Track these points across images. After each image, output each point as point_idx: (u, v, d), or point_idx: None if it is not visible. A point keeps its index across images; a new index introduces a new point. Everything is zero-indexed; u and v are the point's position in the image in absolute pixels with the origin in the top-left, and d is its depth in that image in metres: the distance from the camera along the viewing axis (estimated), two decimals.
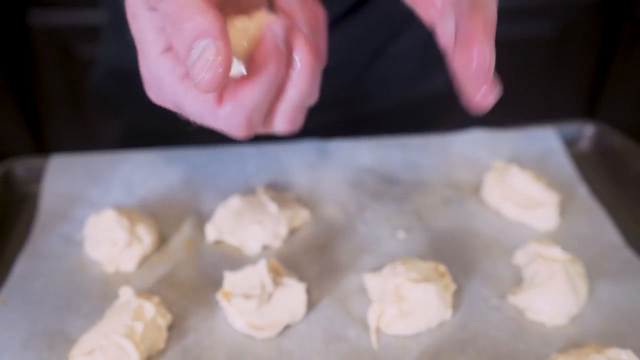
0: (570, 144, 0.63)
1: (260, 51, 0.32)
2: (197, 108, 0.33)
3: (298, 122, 0.36)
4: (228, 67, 0.30)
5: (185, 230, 0.52)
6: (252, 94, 0.32)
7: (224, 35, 0.30)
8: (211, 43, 0.30)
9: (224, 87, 0.32)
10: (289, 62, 0.33)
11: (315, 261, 0.49)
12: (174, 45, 0.32)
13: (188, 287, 0.46)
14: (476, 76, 0.34)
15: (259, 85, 0.32)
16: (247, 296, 0.43)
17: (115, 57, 0.69)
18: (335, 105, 0.69)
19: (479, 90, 0.34)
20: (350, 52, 0.67)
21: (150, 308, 0.42)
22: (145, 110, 0.62)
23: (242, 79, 0.32)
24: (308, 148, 0.60)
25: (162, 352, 0.41)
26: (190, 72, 0.30)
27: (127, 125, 0.75)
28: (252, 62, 0.32)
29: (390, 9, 0.64)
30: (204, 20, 0.30)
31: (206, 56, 0.30)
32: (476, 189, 0.57)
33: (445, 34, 0.37)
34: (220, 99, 0.33)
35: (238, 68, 0.32)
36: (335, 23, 0.63)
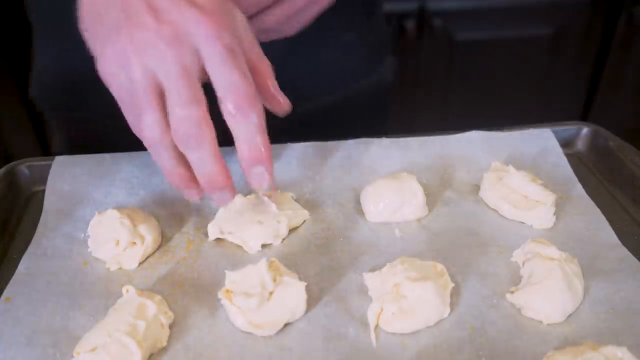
0: (566, 144, 0.64)
1: None
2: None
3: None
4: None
5: (187, 230, 0.53)
6: None
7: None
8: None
9: None
10: None
11: (315, 260, 0.49)
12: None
13: (189, 286, 0.47)
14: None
15: None
16: (247, 294, 0.43)
17: (56, 65, 0.66)
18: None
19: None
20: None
21: (152, 306, 0.42)
22: (97, 114, 0.60)
23: None
24: (308, 148, 0.61)
25: (164, 349, 0.42)
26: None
27: (73, 136, 0.73)
28: None
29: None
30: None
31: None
32: (475, 189, 0.57)
33: None
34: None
35: None
36: None
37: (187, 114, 0.40)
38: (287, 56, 0.64)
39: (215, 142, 0.42)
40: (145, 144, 0.43)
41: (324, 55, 0.69)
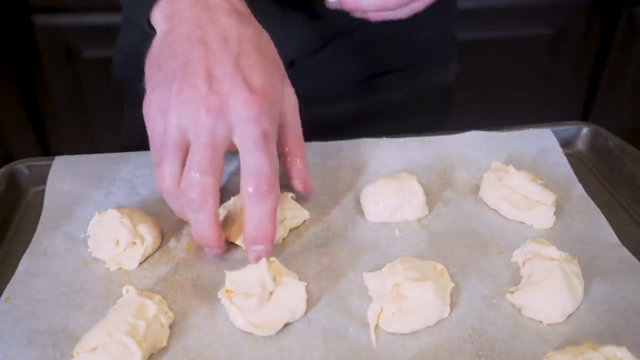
0: (566, 144, 0.64)
1: None
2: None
3: None
4: None
5: (187, 230, 0.53)
6: None
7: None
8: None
9: None
10: None
11: (315, 260, 0.49)
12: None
13: (189, 286, 0.47)
14: None
15: None
16: (247, 295, 0.43)
17: (132, 44, 0.72)
18: (350, 96, 0.71)
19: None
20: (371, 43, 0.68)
21: (152, 306, 0.42)
22: None
23: None
24: (307, 148, 0.61)
25: (164, 349, 0.42)
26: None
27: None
28: None
29: None
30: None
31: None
32: (475, 189, 0.57)
33: None
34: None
35: None
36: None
37: (198, 181, 0.43)
38: (362, 48, 0.67)
39: (216, 209, 0.45)
40: (159, 189, 0.46)
41: (398, 51, 0.71)
